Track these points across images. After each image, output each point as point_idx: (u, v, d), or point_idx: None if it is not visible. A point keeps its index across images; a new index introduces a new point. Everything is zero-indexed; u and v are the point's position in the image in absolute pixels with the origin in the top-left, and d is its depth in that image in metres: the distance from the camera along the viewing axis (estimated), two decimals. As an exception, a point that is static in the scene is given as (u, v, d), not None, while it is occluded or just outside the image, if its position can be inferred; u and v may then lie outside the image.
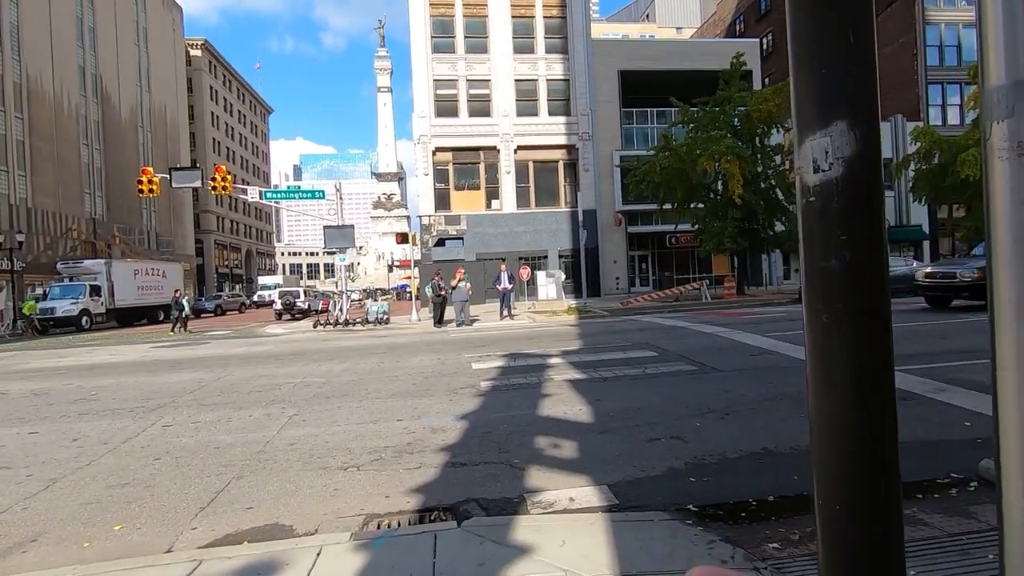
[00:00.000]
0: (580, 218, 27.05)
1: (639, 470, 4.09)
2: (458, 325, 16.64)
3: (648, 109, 32.81)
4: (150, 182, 21.56)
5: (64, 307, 26.44)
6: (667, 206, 25.08)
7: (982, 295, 12.49)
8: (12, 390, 8.69)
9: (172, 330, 21.26)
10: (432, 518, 3.50)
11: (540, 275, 27.18)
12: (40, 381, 9.56)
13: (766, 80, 34.07)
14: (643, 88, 31.20)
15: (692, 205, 24.69)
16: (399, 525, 3.40)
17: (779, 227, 23.80)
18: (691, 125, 24.26)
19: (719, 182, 24.04)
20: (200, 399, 7.25)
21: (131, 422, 6.19)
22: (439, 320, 17.46)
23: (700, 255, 27.73)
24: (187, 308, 22.02)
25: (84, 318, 26.97)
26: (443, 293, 17.60)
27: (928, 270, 15.09)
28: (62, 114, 43.43)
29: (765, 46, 40.96)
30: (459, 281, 17.33)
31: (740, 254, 25.19)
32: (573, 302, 24.36)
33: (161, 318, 32.89)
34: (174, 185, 22.04)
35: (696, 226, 25.27)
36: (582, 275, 28.05)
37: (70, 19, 44.94)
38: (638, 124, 33.00)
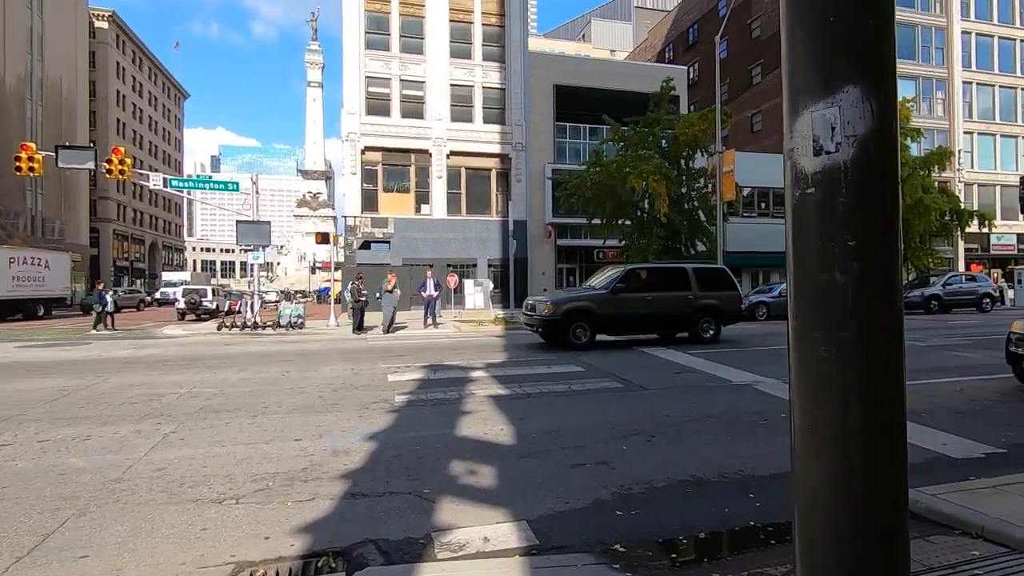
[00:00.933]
0: (511, 228, 26.91)
1: (563, 501, 3.70)
2: (385, 332, 15.79)
3: (581, 125, 33.37)
4: (30, 159, 19.09)
5: (-87, 297, 22.86)
6: (596, 221, 25.42)
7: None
8: None
9: (95, 327, 18.52)
10: (319, 566, 2.92)
11: (468, 283, 26.67)
12: None
13: (691, 107, 35.61)
14: (577, 104, 31.69)
15: (620, 221, 25.16)
16: (276, 577, 2.79)
17: (700, 247, 24.72)
18: (621, 143, 24.81)
19: (646, 200, 24.65)
20: (57, 412, 6.14)
21: (-44, 440, 5.07)
22: (359, 326, 16.52)
23: (625, 271, 28.32)
24: (111, 303, 19.37)
25: (-61, 311, 23.48)
26: (363, 298, 16.67)
27: (528, 301, 12.79)
28: (-70, 77, 38.11)
29: (692, 75, 43.09)
30: (393, 286, 16.45)
31: (663, 271, 25.89)
32: (500, 312, 24.05)
33: (40, 313, 29.33)
34: (60, 165, 19.59)
35: (623, 242, 25.77)
36: (510, 285, 27.88)
37: (-53, -29, 39.68)
38: (571, 139, 33.47)
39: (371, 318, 17.31)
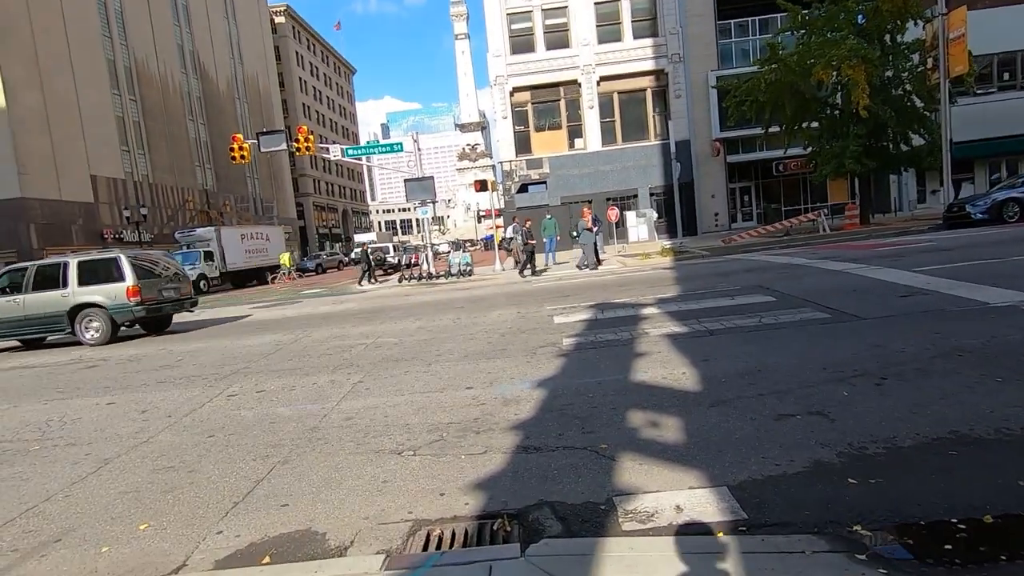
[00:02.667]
0: (673, 150, 24.78)
1: (771, 463, 3.03)
2: (582, 268, 16.06)
3: (748, 19, 28.89)
4: (240, 148, 22.27)
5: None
6: (774, 128, 22.11)
7: None
8: (113, 356, 9.09)
9: (359, 283, 20.79)
10: (494, 529, 2.71)
11: (630, 216, 25.40)
12: (140, 347, 9.99)
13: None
14: (742, -6, 27.36)
15: (805, 124, 21.57)
16: (451, 540, 2.65)
17: (917, 140, 20.18)
18: (802, 31, 20.85)
19: (838, 94, 20.70)
20: (271, 365, 7.01)
21: (200, 391, 6.00)
22: (531, 270, 16.50)
23: (814, 181, 24.52)
24: (371, 262, 21.69)
25: (201, 281, 29.26)
26: (532, 241, 16.73)
27: None
28: (168, 93, 46.46)
29: (894, -75, 34.33)
30: (596, 221, 16.78)
31: (863, 177, 21.85)
32: (667, 243, 22.59)
33: (269, 279, 35.14)
34: (262, 149, 22.63)
35: (809, 148, 22.16)
36: (676, 213, 26.02)
37: (166, 0, 47.23)
38: (737, 38, 29.23)
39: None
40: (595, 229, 17.47)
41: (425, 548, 2.59)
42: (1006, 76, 27.25)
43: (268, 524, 2.98)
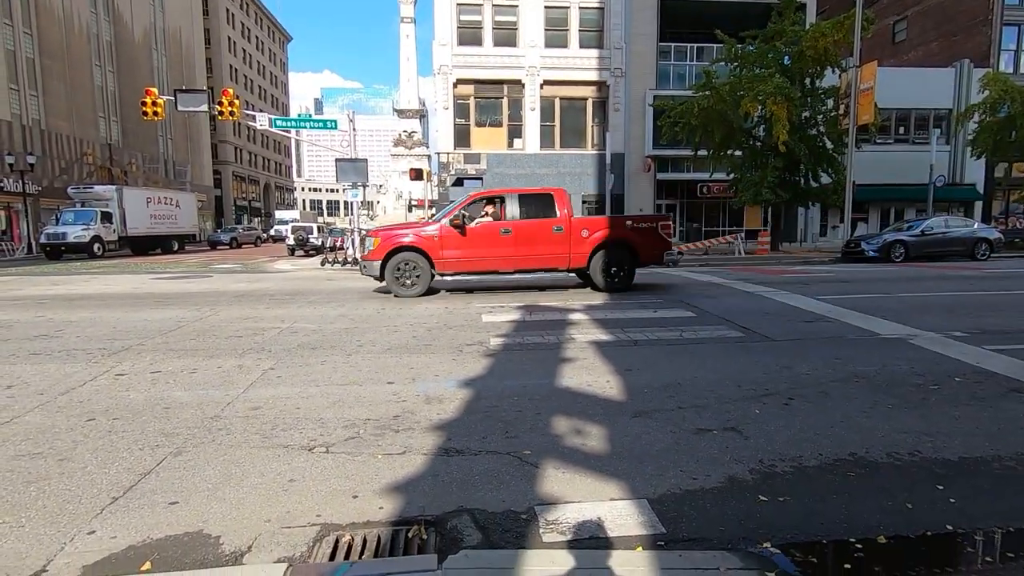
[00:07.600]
0: (608, 162, 25.44)
1: (689, 477, 3.09)
2: None
3: (688, 45, 30.19)
4: (154, 104, 20.40)
5: (75, 233, 26.02)
6: (702, 152, 23.28)
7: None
8: (-22, 320, 7.98)
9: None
10: (408, 537, 2.56)
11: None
12: (13, 312, 8.84)
13: (819, 16, 30.94)
14: (685, 21, 28.57)
15: (730, 151, 22.88)
16: (363, 547, 2.47)
17: (824, 179, 21.97)
18: (736, 63, 22.12)
19: (761, 127, 22.11)
20: (171, 343, 6.40)
21: (83, 367, 5.35)
22: None
23: (733, 206, 26.06)
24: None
25: (96, 245, 26.56)
26: None
27: None
28: (72, 31, 41.81)
29: (822, -22, 37.24)
30: None
31: (776, 207, 23.51)
32: (595, 251, 23.10)
33: (175, 248, 32.54)
34: (180, 108, 20.83)
35: (732, 175, 23.53)
36: (606, 223, 26.58)
37: (77, -72, 42.45)
38: (676, 61, 30.45)
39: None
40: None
41: (333, 556, 2.40)
42: (901, 130, 30.33)
43: (152, 524, 2.65)
